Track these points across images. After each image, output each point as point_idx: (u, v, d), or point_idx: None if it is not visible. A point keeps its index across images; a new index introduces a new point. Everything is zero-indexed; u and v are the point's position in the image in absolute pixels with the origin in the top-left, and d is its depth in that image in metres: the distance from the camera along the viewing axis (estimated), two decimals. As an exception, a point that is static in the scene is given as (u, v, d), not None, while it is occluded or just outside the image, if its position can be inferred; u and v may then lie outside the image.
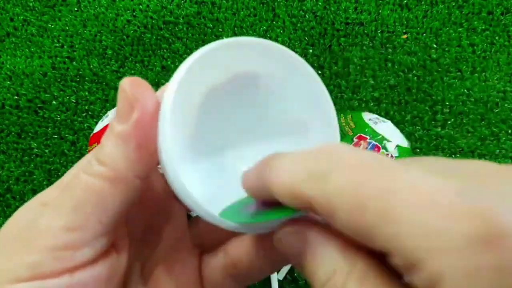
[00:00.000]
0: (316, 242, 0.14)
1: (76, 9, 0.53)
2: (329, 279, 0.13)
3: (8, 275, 0.14)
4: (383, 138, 0.38)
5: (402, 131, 0.43)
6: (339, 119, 0.39)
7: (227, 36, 0.51)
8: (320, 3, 0.52)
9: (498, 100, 0.49)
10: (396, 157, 0.38)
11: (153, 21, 0.52)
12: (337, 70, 0.50)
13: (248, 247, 0.18)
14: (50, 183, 0.48)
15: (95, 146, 0.38)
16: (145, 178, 0.16)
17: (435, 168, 0.13)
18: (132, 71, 0.51)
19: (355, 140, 0.42)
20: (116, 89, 0.50)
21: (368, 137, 0.39)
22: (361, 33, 0.51)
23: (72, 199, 0.15)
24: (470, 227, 0.10)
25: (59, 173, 0.48)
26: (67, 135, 0.49)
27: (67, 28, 0.53)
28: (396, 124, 0.44)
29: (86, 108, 0.50)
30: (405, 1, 0.52)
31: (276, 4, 0.52)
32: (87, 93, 0.50)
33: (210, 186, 0.18)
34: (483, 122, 0.48)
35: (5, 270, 0.15)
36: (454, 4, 0.52)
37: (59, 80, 0.51)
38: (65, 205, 0.15)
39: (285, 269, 0.44)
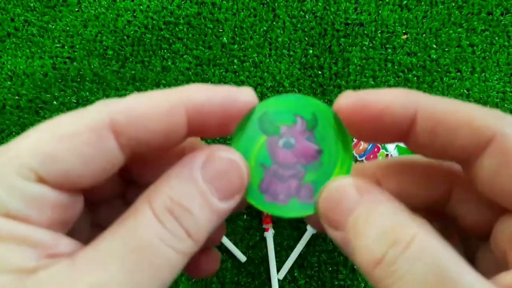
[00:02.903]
0: (381, 198, 0.15)
1: (76, 9, 0.53)
2: (394, 227, 0.14)
3: None
4: (383, 138, 0.39)
5: (401, 131, 0.43)
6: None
7: (227, 37, 0.51)
8: (320, 4, 0.52)
9: (498, 100, 0.49)
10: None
11: (154, 22, 0.52)
12: (337, 70, 0.50)
13: None
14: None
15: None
16: None
17: None
18: (133, 71, 0.51)
19: (355, 140, 0.42)
20: (117, 89, 0.50)
21: (368, 137, 0.39)
22: (361, 33, 0.51)
23: (143, 274, 0.14)
24: None
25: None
26: (68, 135, 0.49)
27: (67, 28, 0.53)
28: (396, 124, 0.44)
29: (87, 108, 0.50)
30: (405, 2, 0.52)
31: (276, 4, 0.52)
32: (87, 93, 0.50)
33: None
34: (482, 122, 0.48)
35: None
36: (453, 4, 0.51)
37: (59, 80, 0.51)
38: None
39: (285, 269, 0.45)
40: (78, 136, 0.14)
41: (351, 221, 0.14)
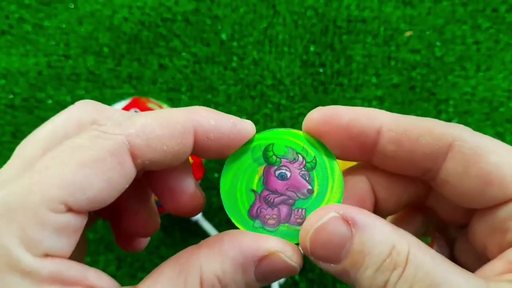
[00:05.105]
0: (369, 225, 0.15)
1: (72, 6, 0.52)
2: (390, 252, 0.14)
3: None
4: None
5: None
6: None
7: (226, 34, 0.51)
8: (321, 0, 0.51)
9: (503, 99, 0.48)
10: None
11: (151, 19, 0.51)
12: (339, 68, 0.49)
13: None
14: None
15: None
16: None
17: None
18: (129, 69, 0.50)
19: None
20: (112, 87, 0.50)
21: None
22: (363, 30, 0.50)
23: None
24: None
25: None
26: (62, 135, 0.48)
27: (63, 26, 0.52)
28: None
29: (82, 107, 0.49)
30: (408, -2, 0.51)
31: (276, 1, 0.52)
32: (83, 91, 0.49)
33: None
34: (488, 121, 0.48)
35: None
36: (458, 1, 0.51)
37: (54, 78, 0.50)
38: None
39: (286, 272, 0.44)
40: (102, 162, 0.15)
41: (346, 255, 0.15)
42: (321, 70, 0.50)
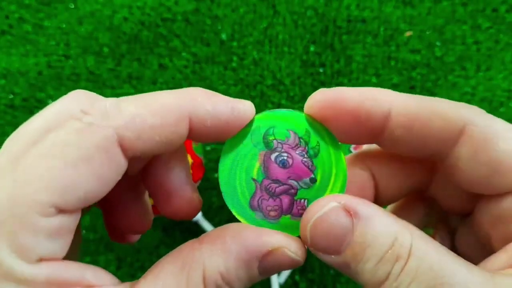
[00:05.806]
0: (371, 215, 0.14)
1: (72, 6, 0.52)
2: (392, 243, 0.14)
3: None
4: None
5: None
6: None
7: (226, 34, 0.51)
8: (321, 0, 0.51)
9: (503, 99, 0.48)
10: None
11: (151, 19, 0.51)
12: (339, 68, 0.49)
13: None
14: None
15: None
16: None
17: None
18: (129, 69, 0.50)
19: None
20: (113, 87, 0.50)
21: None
22: (363, 30, 0.50)
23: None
24: None
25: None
26: (62, 135, 0.48)
27: (63, 26, 0.52)
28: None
29: (82, 107, 0.49)
30: (408, -2, 0.51)
31: (276, 0, 0.52)
32: (83, 92, 0.49)
33: None
34: (488, 121, 0.48)
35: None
36: (458, 1, 0.51)
37: (54, 78, 0.50)
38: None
39: (286, 273, 0.44)
40: (91, 159, 0.14)
41: (346, 247, 0.14)
42: (321, 70, 0.50)
